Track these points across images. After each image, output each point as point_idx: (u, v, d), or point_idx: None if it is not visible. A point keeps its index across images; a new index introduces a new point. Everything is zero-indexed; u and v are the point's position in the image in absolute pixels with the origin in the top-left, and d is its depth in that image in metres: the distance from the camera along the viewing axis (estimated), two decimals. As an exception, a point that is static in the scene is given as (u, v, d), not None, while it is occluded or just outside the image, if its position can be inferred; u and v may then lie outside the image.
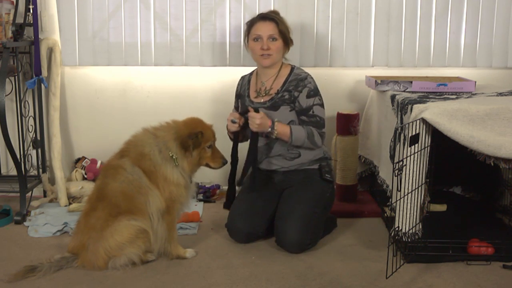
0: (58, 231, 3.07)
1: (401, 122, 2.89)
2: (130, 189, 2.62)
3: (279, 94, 2.96)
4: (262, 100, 3.00)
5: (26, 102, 3.61)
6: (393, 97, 3.09)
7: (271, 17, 2.94)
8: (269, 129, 2.84)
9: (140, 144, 2.68)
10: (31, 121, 3.63)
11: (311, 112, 2.91)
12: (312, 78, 2.98)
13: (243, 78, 3.19)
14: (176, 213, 2.75)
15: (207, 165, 2.77)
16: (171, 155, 2.64)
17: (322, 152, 3.04)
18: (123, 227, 2.58)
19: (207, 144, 2.72)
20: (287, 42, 2.99)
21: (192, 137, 2.64)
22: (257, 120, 2.80)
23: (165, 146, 2.64)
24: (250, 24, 2.99)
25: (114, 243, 2.57)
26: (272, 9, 3.25)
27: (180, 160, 2.65)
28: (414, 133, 2.60)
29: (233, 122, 2.89)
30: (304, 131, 2.88)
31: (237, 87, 3.19)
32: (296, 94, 2.92)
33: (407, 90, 3.20)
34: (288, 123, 2.93)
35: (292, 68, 3.04)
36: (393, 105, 3.08)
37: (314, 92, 2.94)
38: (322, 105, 2.96)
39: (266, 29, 2.92)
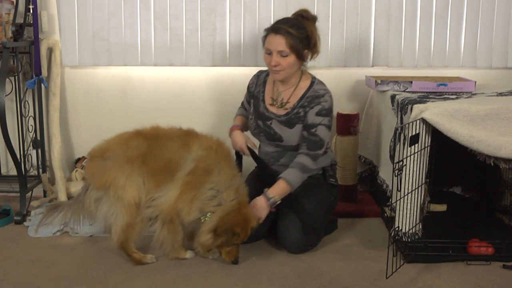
0: (58, 231, 3.07)
1: (401, 122, 2.89)
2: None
3: (294, 110, 2.84)
4: (277, 112, 2.90)
5: (26, 102, 3.60)
6: (393, 97, 3.09)
7: (282, 31, 2.72)
8: (271, 207, 2.74)
9: (218, 165, 2.63)
10: (31, 121, 3.62)
11: (313, 130, 2.78)
12: (330, 96, 2.83)
13: (258, 76, 3.05)
14: (178, 223, 2.66)
15: (220, 252, 2.68)
16: (204, 218, 2.59)
17: (330, 160, 3.01)
18: None
19: (234, 242, 2.62)
20: (300, 56, 2.79)
21: (228, 233, 2.55)
22: (259, 216, 2.72)
23: (211, 205, 2.59)
24: (266, 34, 2.82)
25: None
26: (282, 17, 2.90)
27: (207, 229, 2.58)
28: (414, 133, 2.60)
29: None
30: (298, 172, 2.76)
31: (251, 83, 3.07)
32: (308, 109, 2.81)
33: (407, 90, 3.20)
34: (298, 143, 2.86)
35: (313, 82, 2.88)
36: (393, 105, 3.08)
37: (326, 112, 2.79)
38: (329, 126, 2.81)
39: (276, 44, 2.74)
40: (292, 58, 2.75)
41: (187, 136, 2.69)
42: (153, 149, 2.62)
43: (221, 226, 2.55)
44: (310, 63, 3.62)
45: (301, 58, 2.80)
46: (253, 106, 3.01)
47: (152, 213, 2.64)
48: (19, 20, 3.45)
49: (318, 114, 2.78)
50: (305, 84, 2.87)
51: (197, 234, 2.65)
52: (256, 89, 3.02)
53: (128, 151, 2.63)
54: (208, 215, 2.59)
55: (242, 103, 3.19)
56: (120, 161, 2.61)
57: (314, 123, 2.78)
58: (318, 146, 2.79)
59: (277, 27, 2.75)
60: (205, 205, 2.59)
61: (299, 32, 2.74)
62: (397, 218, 2.70)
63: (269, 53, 2.78)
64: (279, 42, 2.73)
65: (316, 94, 2.81)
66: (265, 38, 2.81)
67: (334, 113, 3.54)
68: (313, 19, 2.83)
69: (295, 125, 2.84)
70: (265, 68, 2.99)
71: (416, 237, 2.76)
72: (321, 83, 2.90)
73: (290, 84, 2.88)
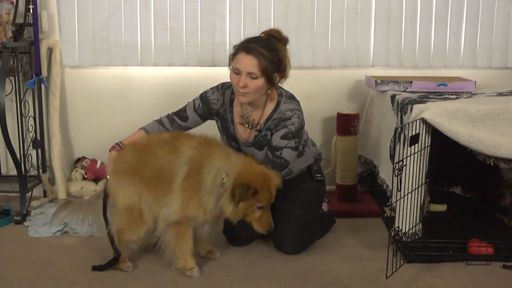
0: (58, 231, 3.07)
1: (401, 122, 2.89)
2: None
3: (262, 132, 2.74)
4: (244, 137, 2.81)
5: (26, 102, 3.60)
6: (393, 97, 3.09)
7: (255, 52, 2.57)
8: None
9: (206, 157, 2.51)
10: (31, 121, 3.62)
11: (278, 153, 2.68)
12: (297, 117, 2.68)
13: (223, 93, 2.84)
14: (187, 227, 2.58)
15: (251, 224, 2.53)
16: (223, 177, 2.43)
17: (312, 157, 2.98)
18: None
19: (258, 204, 2.47)
20: (270, 80, 2.63)
21: (243, 187, 2.40)
22: None
23: (223, 173, 2.44)
24: (234, 52, 2.65)
25: None
26: (274, 25, 2.76)
27: (227, 196, 2.44)
28: (414, 133, 2.60)
29: None
30: None
31: (213, 98, 2.85)
32: (274, 132, 2.70)
33: (407, 90, 3.20)
34: None
35: (279, 101, 2.74)
36: (393, 105, 3.08)
37: (293, 135, 2.67)
38: (295, 148, 2.71)
39: (246, 65, 2.58)
40: (261, 81, 2.61)
41: (176, 140, 2.62)
42: (144, 158, 2.60)
43: (235, 185, 2.42)
44: (310, 64, 3.64)
45: (270, 82, 2.65)
46: (222, 126, 2.88)
47: (163, 228, 2.56)
48: (19, 20, 3.45)
49: (283, 137, 2.67)
50: (271, 105, 2.74)
51: (222, 211, 2.50)
52: (221, 108, 2.85)
53: (123, 164, 2.64)
54: (223, 174, 2.44)
55: (171, 114, 2.93)
56: (116, 173, 2.65)
57: (279, 146, 2.68)
58: (282, 168, 2.70)
59: (249, 47, 2.59)
60: (214, 189, 2.46)
61: (271, 54, 2.60)
62: (397, 218, 2.70)
63: (237, 72, 2.62)
64: (250, 63, 2.58)
65: (282, 117, 2.69)
66: (233, 56, 2.65)
67: (334, 113, 3.56)
68: (285, 41, 2.68)
69: (264, 147, 2.75)
70: (229, 80, 2.74)
71: (416, 237, 2.76)
72: (288, 100, 2.75)
73: (257, 105, 2.74)
